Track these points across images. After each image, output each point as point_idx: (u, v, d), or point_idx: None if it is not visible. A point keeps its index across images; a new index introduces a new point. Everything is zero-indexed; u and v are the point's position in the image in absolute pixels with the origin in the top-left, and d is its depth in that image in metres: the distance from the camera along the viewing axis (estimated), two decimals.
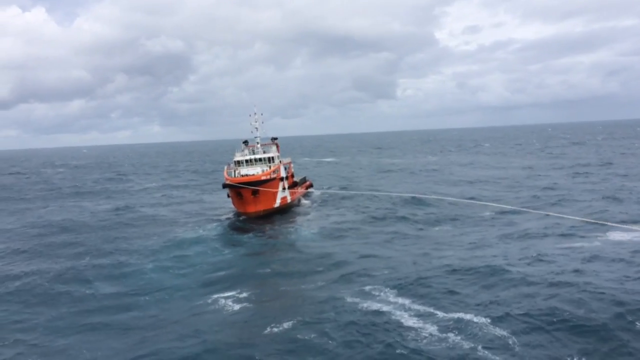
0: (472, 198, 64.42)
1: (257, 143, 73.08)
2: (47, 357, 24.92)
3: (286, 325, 26.78)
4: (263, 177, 61.30)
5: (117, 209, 71.49)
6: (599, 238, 41.69)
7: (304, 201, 73.79)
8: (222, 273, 38.11)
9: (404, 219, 55.86)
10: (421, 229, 50.52)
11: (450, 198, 62.31)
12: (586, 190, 68.78)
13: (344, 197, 73.95)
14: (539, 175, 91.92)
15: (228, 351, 24.40)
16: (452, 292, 30.16)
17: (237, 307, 30.56)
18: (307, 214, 64.10)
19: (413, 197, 65.35)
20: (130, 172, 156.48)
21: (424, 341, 24.15)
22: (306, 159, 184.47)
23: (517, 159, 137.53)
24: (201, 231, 53.18)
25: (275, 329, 26.33)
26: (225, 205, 69.11)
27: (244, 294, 32.66)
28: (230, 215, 63.14)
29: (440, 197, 63.22)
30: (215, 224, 57.30)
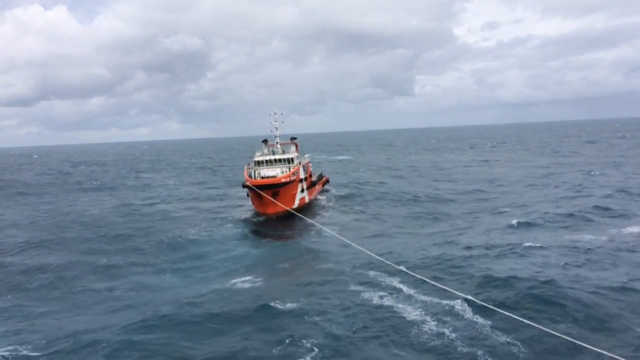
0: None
1: (277, 143, 74.62)
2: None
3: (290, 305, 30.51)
4: (283, 180, 62.47)
5: (136, 204, 74.39)
6: None
7: (321, 197, 75.39)
8: (240, 265, 41.06)
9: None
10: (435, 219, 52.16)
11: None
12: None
13: (357, 195, 75.86)
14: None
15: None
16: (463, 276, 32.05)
17: (247, 286, 35.07)
18: (323, 212, 65.93)
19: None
20: (148, 169, 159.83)
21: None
22: (322, 156, 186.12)
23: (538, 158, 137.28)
24: (223, 230, 55.25)
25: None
26: (244, 204, 71.41)
27: (258, 280, 36.35)
28: (249, 215, 64.84)
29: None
30: (235, 223, 59.15)
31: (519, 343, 24.49)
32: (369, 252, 35.97)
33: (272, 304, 30.40)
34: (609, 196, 61.92)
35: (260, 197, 62.33)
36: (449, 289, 28.63)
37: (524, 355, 23.46)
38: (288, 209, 61.99)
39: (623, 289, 30.60)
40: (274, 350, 24.71)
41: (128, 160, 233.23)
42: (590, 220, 50.03)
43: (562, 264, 35.54)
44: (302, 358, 23.92)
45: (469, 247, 41.20)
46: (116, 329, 27.53)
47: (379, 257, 34.73)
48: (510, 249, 40.13)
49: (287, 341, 25.49)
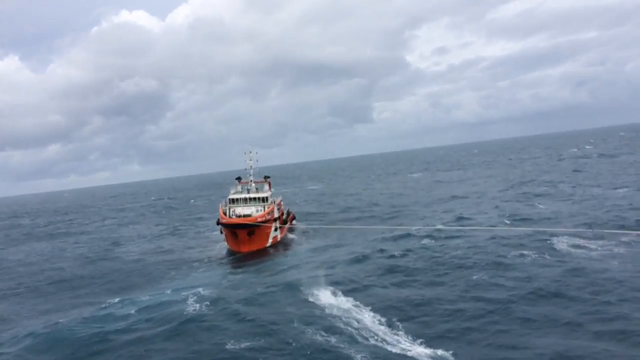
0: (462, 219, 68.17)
1: (251, 181, 76.65)
2: None
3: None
4: (259, 219, 63.97)
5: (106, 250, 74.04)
6: None
7: (290, 236, 77.02)
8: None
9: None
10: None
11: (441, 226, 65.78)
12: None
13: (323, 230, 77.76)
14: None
15: None
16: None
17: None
18: (294, 245, 67.36)
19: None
20: (109, 215, 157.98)
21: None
22: (286, 189, 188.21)
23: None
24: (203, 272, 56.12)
25: None
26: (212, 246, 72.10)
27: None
28: (223, 254, 65.61)
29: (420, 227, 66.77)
30: (213, 265, 59.65)
31: None
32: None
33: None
34: None
35: (235, 235, 63.33)
36: None
37: None
38: (263, 247, 63.52)
39: None
40: None
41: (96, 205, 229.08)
42: None
43: None
44: None
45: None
46: None
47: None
48: None
49: None
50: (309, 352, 28.15)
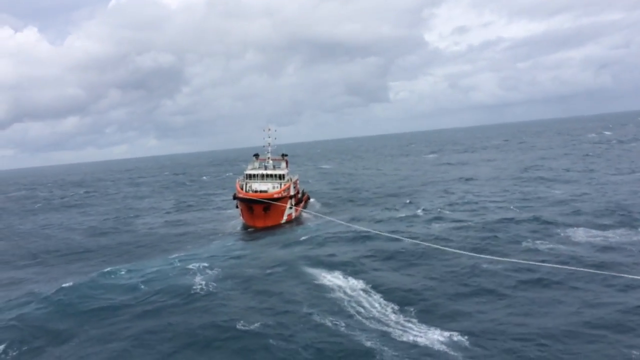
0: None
1: (269, 157, 77.16)
2: None
3: None
4: (275, 195, 65.15)
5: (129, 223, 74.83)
6: None
7: (304, 214, 77.02)
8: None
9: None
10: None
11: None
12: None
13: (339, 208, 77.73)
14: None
15: None
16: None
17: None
18: (308, 223, 67.15)
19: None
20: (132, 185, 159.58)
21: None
22: (298, 168, 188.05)
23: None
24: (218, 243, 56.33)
25: None
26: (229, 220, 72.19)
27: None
28: (239, 228, 66.36)
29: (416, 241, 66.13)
30: (227, 238, 59.85)
31: None
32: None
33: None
34: None
35: (251, 210, 64.35)
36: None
37: None
38: (277, 223, 64.54)
39: None
40: None
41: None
42: None
43: None
44: None
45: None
46: None
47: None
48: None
49: None
50: (318, 337, 27.30)
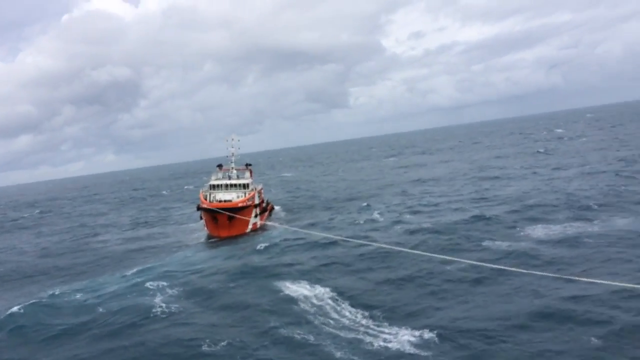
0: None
1: (232, 168, 76.26)
2: None
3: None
4: (240, 204, 64.42)
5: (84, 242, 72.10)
6: None
7: (269, 224, 76.30)
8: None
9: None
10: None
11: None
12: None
13: (302, 215, 77.30)
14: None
15: None
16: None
17: None
18: (273, 233, 66.30)
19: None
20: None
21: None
22: (260, 177, 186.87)
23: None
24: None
25: None
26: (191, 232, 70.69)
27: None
28: (202, 240, 65.19)
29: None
30: (190, 250, 58.42)
31: None
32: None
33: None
34: None
35: (215, 220, 63.65)
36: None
37: None
38: (242, 232, 63.55)
39: None
40: None
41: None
42: None
43: None
44: None
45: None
46: None
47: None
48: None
49: None
50: (287, 352, 26.38)
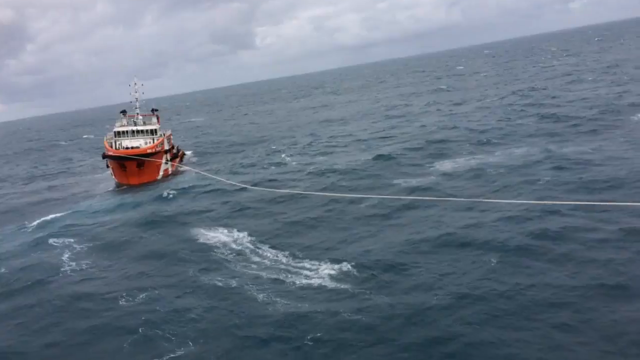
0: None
1: (137, 114, 72.48)
2: None
3: None
4: (149, 150, 62.08)
5: None
6: None
7: (182, 169, 74.20)
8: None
9: None
10: None
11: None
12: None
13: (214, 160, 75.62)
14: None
15: None
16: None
17: None
18: (185, 179, 64.42)
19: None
20: None
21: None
22: (170, 122, 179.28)
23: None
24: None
25: None
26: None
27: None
28: (111, 188, 62.49)
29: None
30: (97, 200, 55.49)
31: None
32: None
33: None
34: None
35: (124, 167, 61.11)
36: None
37: None
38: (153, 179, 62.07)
39: None
40: None
41: None
42: None
43: None
44: None
45: None
46: None
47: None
48: None
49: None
50: (209, 300, 25.57)
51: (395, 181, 44.91)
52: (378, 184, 45.11)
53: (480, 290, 22.76)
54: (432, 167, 48.62)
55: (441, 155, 52.65)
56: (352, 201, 38.47)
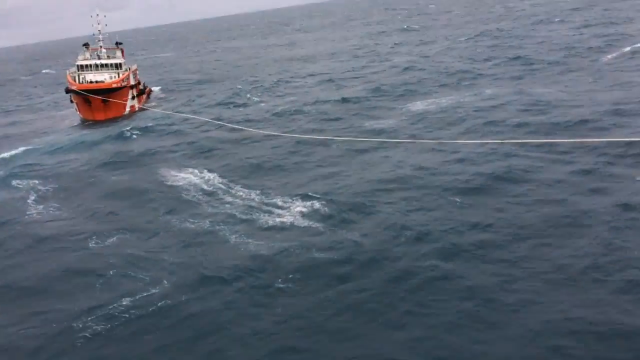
0: None
1: (101, 47, 69.74)
2: None
3: None
4: (114, 85, 60.34)
5: None
6: None
7: (149, 106, 72.32)
8: None
9: None
10: None
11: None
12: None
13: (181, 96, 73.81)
14: None
15: None
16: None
17: None
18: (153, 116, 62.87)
19: None
20: None
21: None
22: (135, 57, 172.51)
23: None
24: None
25: None
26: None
27: None
28: (76, 124, 61.07)
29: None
30: (58, 137, 53.56)
31: None
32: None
33: None
34: None
35: (88, 102, 59.35)
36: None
37: None
38: (120, 115, 60.93)
39: None
40: None
41: None
42: None
43: None
44: None
45: None
46: None
47: None
48: None
49: None
50: (180, 241, 25.29)
51: (365, 123, 44.83)
52: (345, 125, 45.01)
53: (444, 227, 23.44)
54: (400, 108, 48.51)
55: (410, 97, 52.57)
56: (321, 143, 38.37)
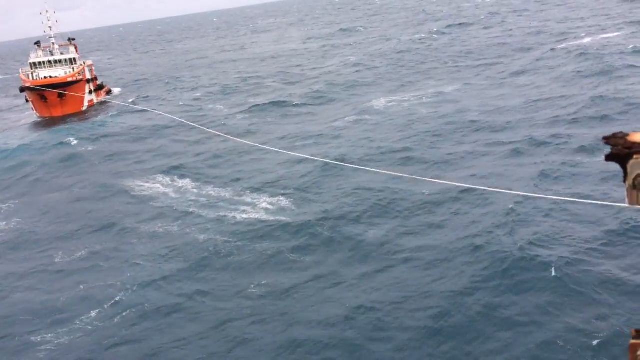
0: None
1: (53, 43, 67.37)
2: None
3: None
4: (69, 79, 58.43)
5: None
6: None
7: (108, 103, 69.83)
8: None
9: None
10: None
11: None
12: None
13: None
14: None
15: None
16: None
17: None
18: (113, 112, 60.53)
19: None
20: None
21: None
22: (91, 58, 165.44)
23: None
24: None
25: None
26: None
27: None
28: (30, 123, 58.88)
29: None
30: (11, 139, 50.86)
31: None
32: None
33: None
34: None
35: (44, 99, 57.44)
36: None
37: None
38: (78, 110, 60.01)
39: None
40: None
41: None
42: None
43: None
44: None
45: None
46: None
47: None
48: None
49: None
50: (150, 246, 24.42)
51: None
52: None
53: (375, 198, 25.74)
54: (364, 103, 47.99)
55: (370, 90, 52.76)
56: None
